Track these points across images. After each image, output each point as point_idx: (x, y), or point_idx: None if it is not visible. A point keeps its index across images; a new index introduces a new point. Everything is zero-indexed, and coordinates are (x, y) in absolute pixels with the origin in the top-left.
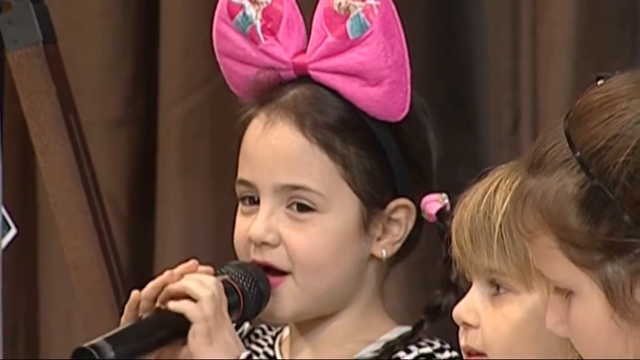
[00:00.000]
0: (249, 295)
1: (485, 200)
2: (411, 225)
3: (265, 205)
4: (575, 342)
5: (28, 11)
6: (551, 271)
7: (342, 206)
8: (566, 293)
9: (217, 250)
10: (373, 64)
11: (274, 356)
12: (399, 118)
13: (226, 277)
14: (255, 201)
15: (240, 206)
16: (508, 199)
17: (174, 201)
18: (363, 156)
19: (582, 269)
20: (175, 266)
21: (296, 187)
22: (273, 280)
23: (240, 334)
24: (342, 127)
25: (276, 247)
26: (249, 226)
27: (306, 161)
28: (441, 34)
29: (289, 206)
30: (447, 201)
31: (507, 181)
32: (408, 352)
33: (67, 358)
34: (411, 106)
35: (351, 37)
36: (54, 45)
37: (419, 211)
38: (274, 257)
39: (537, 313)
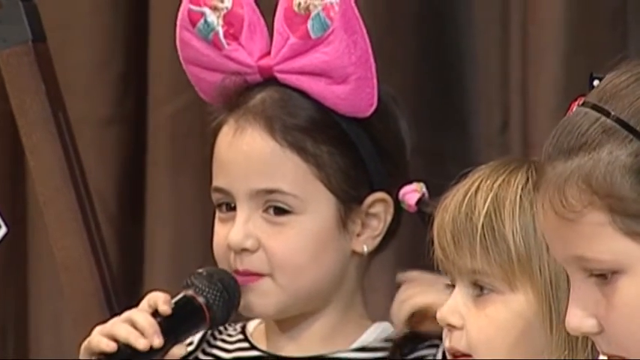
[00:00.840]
0: (214, 306)
1: (466, 201)
2: (389, 218)
3: (242, 212)
4: (624, 326)
5: (18, 10)
6: (600, 250)
7: (318, 206)
8: (608, 275)
9: (207, 249)
10: (337, 62)
11: (254, 346)
12: (368, 114)
13: (190, 292)
14: (231, 207)
15: (218, 213)
16: (489, 199)
17: (163, 200)
18: (336, 154)
19: (637, 241)
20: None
21: (270, 191)
22: (249, 277)
23: (204, 335)
24: (312, 128)
25: (256, 252)
26: (227, 232)
27: (278, 164)
28: (430, 33)
29: (265, 210)
30: (424, 190)
31: (488, 182)
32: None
33: (56, 357)
34: (380, 100)
35: (313, 36)
36: (43, 44)
37: (396, 203)
38: (253, 263)
39: (522, 313)
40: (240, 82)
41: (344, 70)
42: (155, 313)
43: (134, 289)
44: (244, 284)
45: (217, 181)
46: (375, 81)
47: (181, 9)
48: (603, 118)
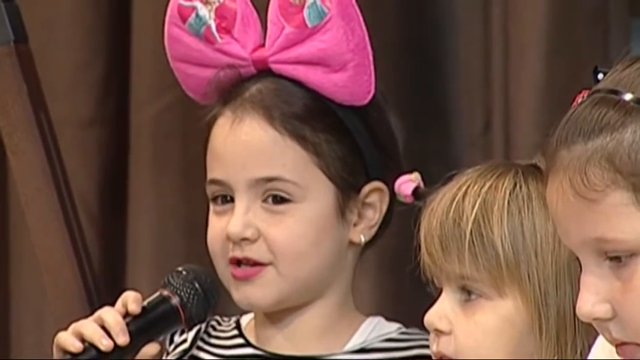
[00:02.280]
0: (189, 305)
1: (454, 206)
2: (385, 208)
3: (241, 202)
4: None
5: None
6: (622, 230)
7: (317, 194)
8: (623, 258)
9: (189, 249)
10: (335, 49)
11: (249, 342)
12: (366, 101)
13: (166, 291)
14: (227, 200)
15: (213, 207)
16: (477, 205)
17: (145, 200)
18: (333, 142)
19: None
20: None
21: (270, 179)
22: (251, 270)
23: (199, 329)
24: (310, 116)
25: (256, 241)
26: (225, 225)
27: (278, 153)
28: (412, 32)
29: (265, 200)
30: (419, 179)
31: (475, 187)
32: None
33: (38, 357)
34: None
35: (309, 25)
36: (25, 44)
37: (391, 194)
38: (254, 252)
39: (510, 319)
40: (233, 75)
41: (341, 58)
42: (127, 313)
43: (116, 290)
44: (245, 278)
45: (214, 174)
46: (372, 68)
47: (170, 5)
48: (623, 101)
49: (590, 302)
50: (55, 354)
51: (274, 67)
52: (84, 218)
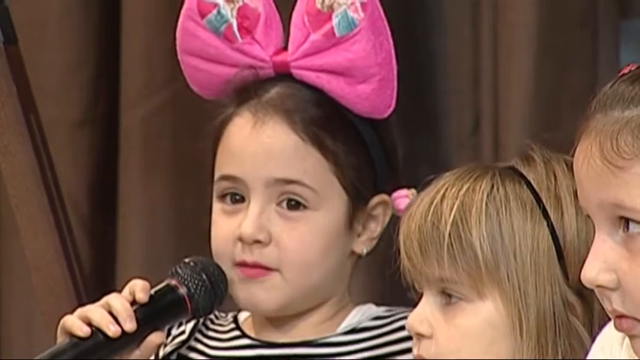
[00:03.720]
0: (196, 296)
1: (432, 210)
2: (386, 220)
3: (256, 203)
4: None
5: None
6: None
7: (332, 203)
8: (636, 232)
9: (179, 251)
10: (363, 61)
11: (244, 333)
12: (386, 115)
13: (173, 281)
14: (237, 199)
15: (221, 205)
16: (455, 207)
17: (135, 202)
18: (351, 153)
19: None
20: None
21: (290, 182)
22: (259, 270)
23: (197, 321)
24: (329, 125)
25: (267, 245)
26: (234, 225)
27: (300, 158)
28: (401, 33)
29: (279, 204)
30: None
31: (453, 190)
32: None
33: (27, 358)
34: None
35: (337, 34)
36: (15, 46)
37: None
38: (264, 257)
39: (491, 321)
40: (251, 76)
41: (368, 70)
42: (135, 300)
43: (106, 290)
44: (251, 278)
45: (228, 170)
46: (395, 83)
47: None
48: None
49: (597, 269)
50: (59, 337)
51: (296, 72)
52: (74, 219)
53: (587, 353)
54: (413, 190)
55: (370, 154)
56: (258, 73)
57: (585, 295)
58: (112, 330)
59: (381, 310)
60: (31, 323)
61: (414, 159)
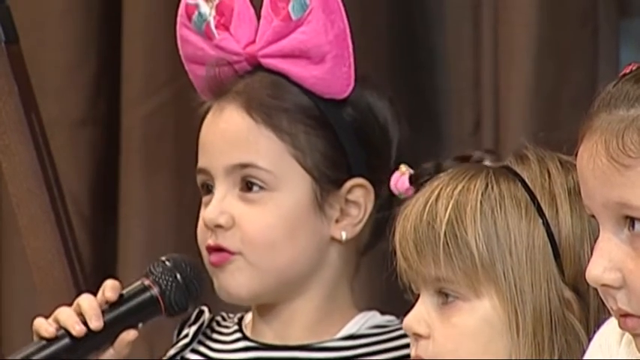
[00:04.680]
0: (169, 294)
1: (427, 209)
2: (370, 206)
3: (219, 189)
4: None
5: None
6: None
7: (293, 184)
8: None
9: (180, 250)
10: (314, 41)
11: (244, 335)
12: (346, 94)
13: (147, 281)
14: (209, 189)
15: (202, 198)
16: (450, 206)
17: (136, 201)
18: (312, 134)
19: None
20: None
21: (245, 166)
22: (222, 255)
23: (201, 325)
24: (287, 107)
25: (230, 229)
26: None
27: (252, 140)
28: (402, 33)
29: (241, 189)
30: (409, 168)
31: (448, 189)
32: None
33: None
34: (361, 85)
35: (294, 18)
36: (16, 45)
37: (376, 192)
38: (227, 240)
39: (488, 319)
40: (228, 72)
41: (320, 49)
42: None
43: None
44: (217, 265)
45: (199, 163)
46: (351, 60)
47: (181, 5)
48: None
49: (602, 268)
50: (34, 339)
51: (263, 61)
52: (75, 219)
53: (584, 350)
54: (402, 165)
55: (338, 137)
56: (234, 68)
57: (581, 291)
58: (77, 329)
59: (384, 320)
60: (32, 323)
61: (414, 158)
